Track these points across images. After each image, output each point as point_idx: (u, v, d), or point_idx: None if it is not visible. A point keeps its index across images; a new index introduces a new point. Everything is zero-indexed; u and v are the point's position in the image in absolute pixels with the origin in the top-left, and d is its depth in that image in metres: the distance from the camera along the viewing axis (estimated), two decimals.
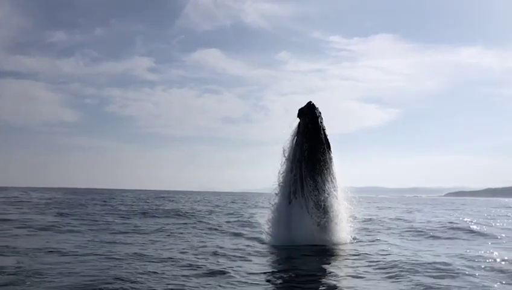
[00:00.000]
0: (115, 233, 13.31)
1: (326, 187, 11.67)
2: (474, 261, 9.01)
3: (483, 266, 8.44)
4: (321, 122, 12.11)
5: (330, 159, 11.99)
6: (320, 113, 12.19)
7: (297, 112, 12.30)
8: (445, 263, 8.54)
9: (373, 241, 12.48)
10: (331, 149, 12.15)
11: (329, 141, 12.21)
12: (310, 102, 12.23)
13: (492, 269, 8.16)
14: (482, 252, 10.37)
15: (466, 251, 10.46)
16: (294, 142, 12.34)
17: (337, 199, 11.70)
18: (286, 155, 12.19)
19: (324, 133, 12.15)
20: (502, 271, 8.02)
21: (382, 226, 17.39)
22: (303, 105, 12.24)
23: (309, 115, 12.11)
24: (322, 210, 11.44)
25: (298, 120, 12.25)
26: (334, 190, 11.73)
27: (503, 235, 14.63)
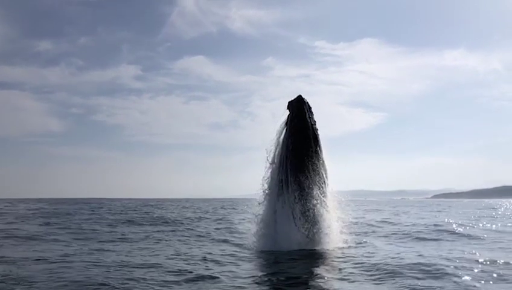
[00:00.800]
0: (102, 241, 13.29)
1: (315, 193, 10.94)
2: (457, 261, 9.20)
3: (466, 266, 8.62)
4: (310, 118, 11.31)
5: (319, 160, 11.21)
6: (310, 108, 11.43)
7: (286, 104, 11.47)
8: (429, 264, 8.71)
9: (359, 243, 12.61)
10: (322, 149, 11.37)
11: (320, 141, 11.39)
12: (300, 95, 11.46)
13: (475, 269, 8.34)
14: (466, 253, 10.58)
15: (450, 252, 10.67)
16: (280, 139, 11.47)
17: (327, 207, 11.03)
18: (270, 158, 11.37)
19: (313, 130, 11.32)
20: (483, 271, 8.20)
21: (368, 229, 17.60)
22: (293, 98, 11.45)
23: (296, 108, 11.30)
24: (311, 220, 10.83)
25: (288, 113, 11.43)
26: (324, 197, 11.05)
27: (486, 235, 14.92)
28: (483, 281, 7.35)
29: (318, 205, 10.89)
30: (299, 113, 11.25)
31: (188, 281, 7.43)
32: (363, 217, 24.79)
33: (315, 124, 11.43)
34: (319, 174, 11.14)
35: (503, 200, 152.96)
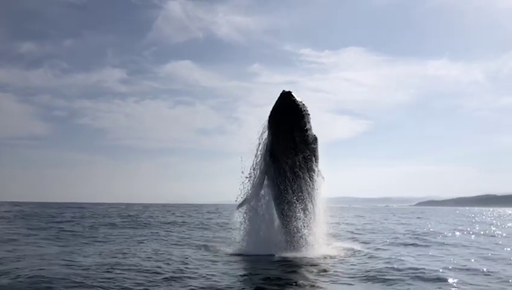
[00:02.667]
0: (83, 243, 13.34)
1: (298, 215, 10.12)
2: (429, 266, 9.44)
3: (438, 270, 8.82)
4: (298, 111, 9.93)
5: (307, 170, 10.17)
6: (303, 106, 10.07)
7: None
8: (402, 269, 8.94)
9: (340, 248, 12.68)
10: (314, 152, 10.28)
11: (312, 137, 10.19)
12: (290, 91, 10.15)
13: (446, 273, 8.57)
14: (443, 259, 10.80)
15: (424, 258, 10.93)
16: (263, 136, 10.47)
17: (312, 232, 10.45)
18: (250, 167, 10.63)
19: (302, 130, 9.99)
20: (454, 276, 8.42)
21: (349, 235, 17.87)
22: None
23: (283, 96, 9.96)
24: (296, 243, 10.33)
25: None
26: (310, 219, 10.38)
27: (460, 242, 15.33)
28: (453, 283, 7.63)
29: (303, 232, 10.28)
30: (285, 101, 10.03)
31: (166, 280, 7.53)
32: (345, 223, 25.15)
33: (307, 124, 10.20)
34: (303, 189, 10.32)
35: (485, 208, 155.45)
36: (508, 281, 7.90)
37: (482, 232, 20.48)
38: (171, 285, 7.21)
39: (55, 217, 27.44)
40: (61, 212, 36.80)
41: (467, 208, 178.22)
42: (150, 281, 7.41)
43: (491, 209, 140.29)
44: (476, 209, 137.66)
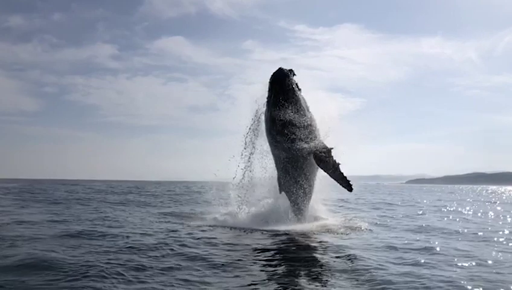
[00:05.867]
0: (76, 213, 13.83)
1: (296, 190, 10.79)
2: (404, 240, 9.88)
3: (412, 243, 9.30)
4: (290, 87, 10.18)
5: (296, 148, 10.48)
6: (295, 83, 10.40)
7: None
8: (379, 241, 9.43)
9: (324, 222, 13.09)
10: (305, 137, 10.50)
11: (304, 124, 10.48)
12: (282, 69, 10.38)
13: (417, 246, 9.07)
14: (418, 231, 11.36)
15: (400, 232, 11.39)
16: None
17: (298, 207, 11.05)
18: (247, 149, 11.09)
19: (284, 107, 10.16)
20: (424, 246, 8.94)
21: (336, 208, 18.37)
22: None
23: (274, 73, 10.17)
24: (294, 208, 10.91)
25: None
26: (298, 194, 10.96)
27: (440, 217, 15.91)
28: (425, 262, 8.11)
29: (294, 205, 10.87)
30: (275, 76, 10.19)
31: (152, 246, 7.95)
32: (335, 200, 25.66)
33: (288, 97, 10.30)
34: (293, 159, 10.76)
35: (474, 186, 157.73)
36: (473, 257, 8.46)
37: (461, 209, 21.16)
38: (154, 251, 7.67)
39: (46, 191, 27.79)
40: (53, 188, 37.10)
41: (456, 186, 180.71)
42: (137, 248, 7.86)
43: (480, 187, 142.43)
44: (465, 187, 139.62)
